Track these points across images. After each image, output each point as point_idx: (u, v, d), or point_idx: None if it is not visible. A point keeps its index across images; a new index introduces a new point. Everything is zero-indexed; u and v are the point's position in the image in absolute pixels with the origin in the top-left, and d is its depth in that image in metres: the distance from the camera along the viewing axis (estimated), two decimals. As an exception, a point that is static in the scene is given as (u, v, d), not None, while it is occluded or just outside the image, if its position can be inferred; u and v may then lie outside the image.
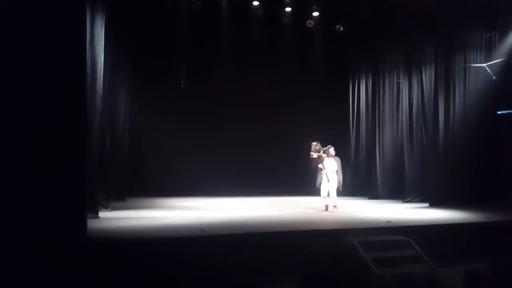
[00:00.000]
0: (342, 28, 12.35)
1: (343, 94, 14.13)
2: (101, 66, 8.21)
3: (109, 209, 8.77)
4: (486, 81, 10.56)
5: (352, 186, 10.16)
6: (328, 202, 9.28)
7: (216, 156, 12.47)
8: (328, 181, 9.22)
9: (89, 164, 6.83)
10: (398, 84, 12.43)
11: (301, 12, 11.90)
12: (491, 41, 10.67)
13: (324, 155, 9.29)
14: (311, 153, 9.34)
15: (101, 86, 8.26)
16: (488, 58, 10.59)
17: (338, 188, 9.37)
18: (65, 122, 5.44)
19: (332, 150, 9.42)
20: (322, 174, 9.35)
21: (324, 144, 9.47)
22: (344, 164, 10.52)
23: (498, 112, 11.21)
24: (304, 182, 12.54)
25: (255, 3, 11.36)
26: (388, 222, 7.88)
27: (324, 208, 9.28)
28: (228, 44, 12.61)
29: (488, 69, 10.49)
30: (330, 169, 9.26)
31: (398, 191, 11.97)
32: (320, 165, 9.33)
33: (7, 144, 5.12)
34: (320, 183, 9.39)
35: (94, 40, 7.94)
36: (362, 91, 13.65)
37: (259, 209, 9.94)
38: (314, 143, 9.38)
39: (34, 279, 4.92)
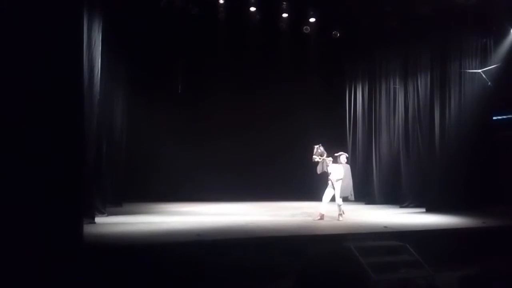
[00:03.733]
0: (338, 34, 12.41)
1: (340, 100, 14.18)
2: (98, 70, 8.20)
3: (106, 214, 8.73)
4: (481, 87, 10.61)
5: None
6: (324, 211, 8.95)
7: (213, 161, 12.47)
8: (333, 188, 8.89)
9: (86, 169, 6.81)
10: (394, 89, 12.48)
11: (298, 18, 11.94)
12: (486, 47, 10.74)
13: (328, 159, 8.98)
14: (314, 156, 9.02)
15: (98, 91, 8.25)
16: (483, 64, 10.65)
17: (348, 197, 9.08)
18: (61, 126, 5.43)
19: (343, 158, 9.12)
20: (328, 179, 9.01)
21: (328, 150, 9.16)
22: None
23: (494, 118, 11.27)
24: (302, 187, 12.53)
25: (252, 9, 11.40)
26: (385, 227, 7.89)
27: (318, 217, 8.90)
28: (225, 49, 12.63)
29: (483, 75, 10.54)
30: (336, 176, 8.93)
31: (394, 196, 11.99)
32: (326, 170, 8.98)
33: (3, 149, 5.10)
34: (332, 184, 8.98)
35: (91, 44, 7.94)
36: (358, 96, 13.69)
37: (256, 214, 9.91)
38: (316, 146, 9.09)
39: (31, 284, 4.89)
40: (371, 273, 5.96)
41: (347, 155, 9.40)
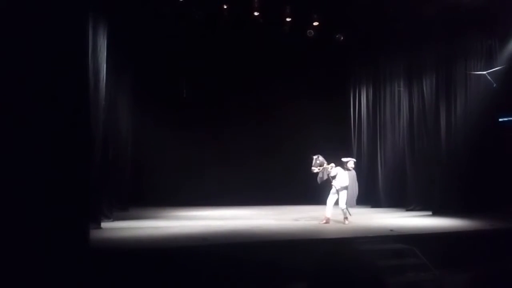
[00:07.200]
0: (342, 37, 12.40)
1: (344, 103, 14.15)
2: (104, 76, 8.24)
3: (112, 220, 8.76)
4: (487, 89, 10.56)
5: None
6: (329, 214, 8.92)
7: (219, 166, 12.49)
8: (338, 194, 8.83)
9: (92, 174, 6.83)
10: (399, 92, 12.45)
11: (302, 21, 11.94)
12: (491, 49, 10.68)
13: (330, 165, 8.88)
14: (312, 168, 8.91)
15: (104, 96, 8.29)
16: (488, 65, 10.60)
17: (351, 203, 9.06)
18: (67, 132, 5.46)
19: (351, 164, 9.07)
20: (332, 185, 8.92)
21: (334, 154, 9.12)
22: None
23: (500, 119, 11.21)
24: (306, 191, 12.50)
25: (256, 13, 11.41)
26: (391, 230, 7.85)
27: (324, 221, 8.88)
28: (229, 53, 12.66)
29: (488, 77, 10.49)
30: (341, 183, 8.83)
31: (400, 200, 11.94)
32: (328, 177, 8.89)
33: (10, 155, 5.13)
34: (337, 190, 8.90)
35: (96, 50, 7.98)
36: (363, 99, 13.67)
37: (261, 218, 9.90)
38: (315, 157, 8.98)
39: (37, 289, 4.91)
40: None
41: (355, 161, 9.38)
